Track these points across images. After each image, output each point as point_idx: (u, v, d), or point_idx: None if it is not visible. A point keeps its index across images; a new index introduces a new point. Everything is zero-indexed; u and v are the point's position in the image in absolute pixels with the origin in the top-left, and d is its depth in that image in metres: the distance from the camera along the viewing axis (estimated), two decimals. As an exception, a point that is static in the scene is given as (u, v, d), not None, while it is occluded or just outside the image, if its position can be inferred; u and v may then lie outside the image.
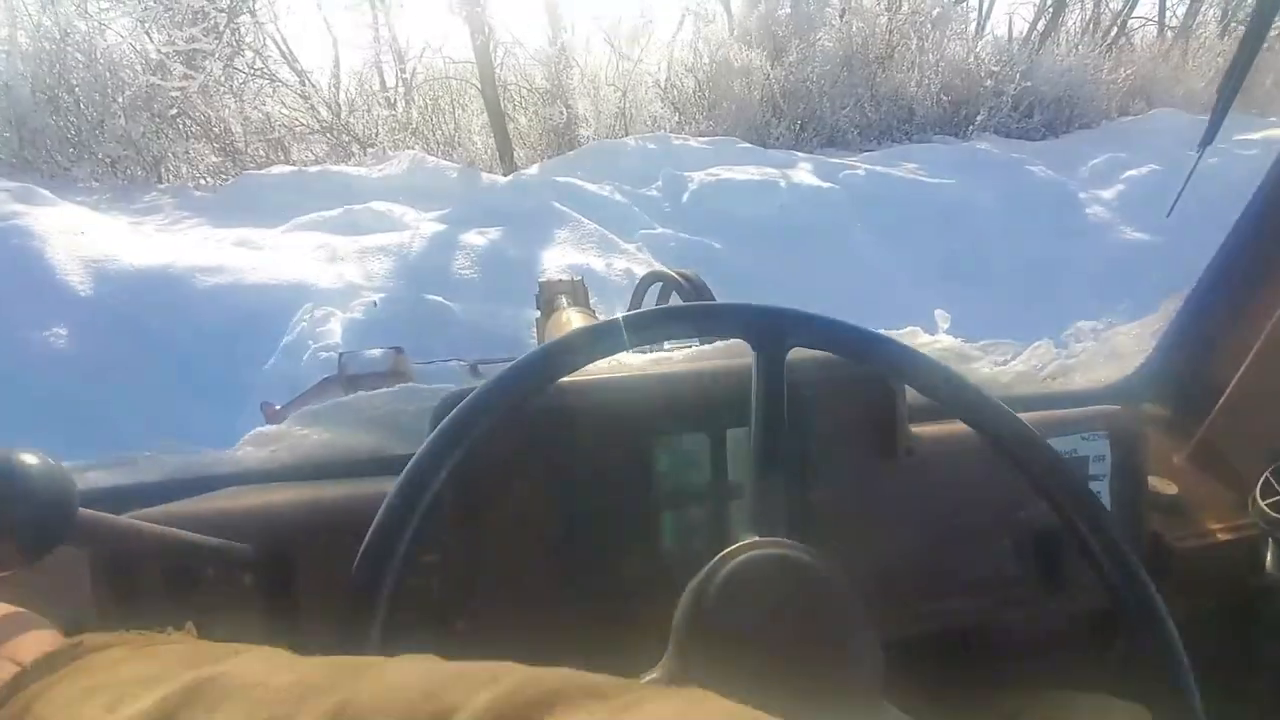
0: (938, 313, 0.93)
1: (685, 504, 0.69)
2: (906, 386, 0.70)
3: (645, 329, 0.53)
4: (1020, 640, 0.84)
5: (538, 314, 2.27)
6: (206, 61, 6.95)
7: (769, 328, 0.54)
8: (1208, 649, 0.89)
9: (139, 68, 6.58)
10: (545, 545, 0.66)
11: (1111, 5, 11.80)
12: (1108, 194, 6.32)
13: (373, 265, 3.94)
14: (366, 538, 0.44)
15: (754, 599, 0.42)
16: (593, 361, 0.53)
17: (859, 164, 5.93)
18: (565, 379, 0.65)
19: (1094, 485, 0.79)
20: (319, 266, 3.81)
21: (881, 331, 0.58)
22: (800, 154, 6.58)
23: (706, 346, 0.78)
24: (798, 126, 7.75)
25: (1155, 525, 0.83)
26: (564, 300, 2.24)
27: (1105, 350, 1.07)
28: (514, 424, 0.64)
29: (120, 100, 6.33)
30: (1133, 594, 0.49)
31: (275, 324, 3.14)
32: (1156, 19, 13.05)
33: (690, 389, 0.69)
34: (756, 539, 0.46)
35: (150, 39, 7.13)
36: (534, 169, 6.11)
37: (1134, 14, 11.82)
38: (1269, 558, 0.80)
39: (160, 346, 3.03)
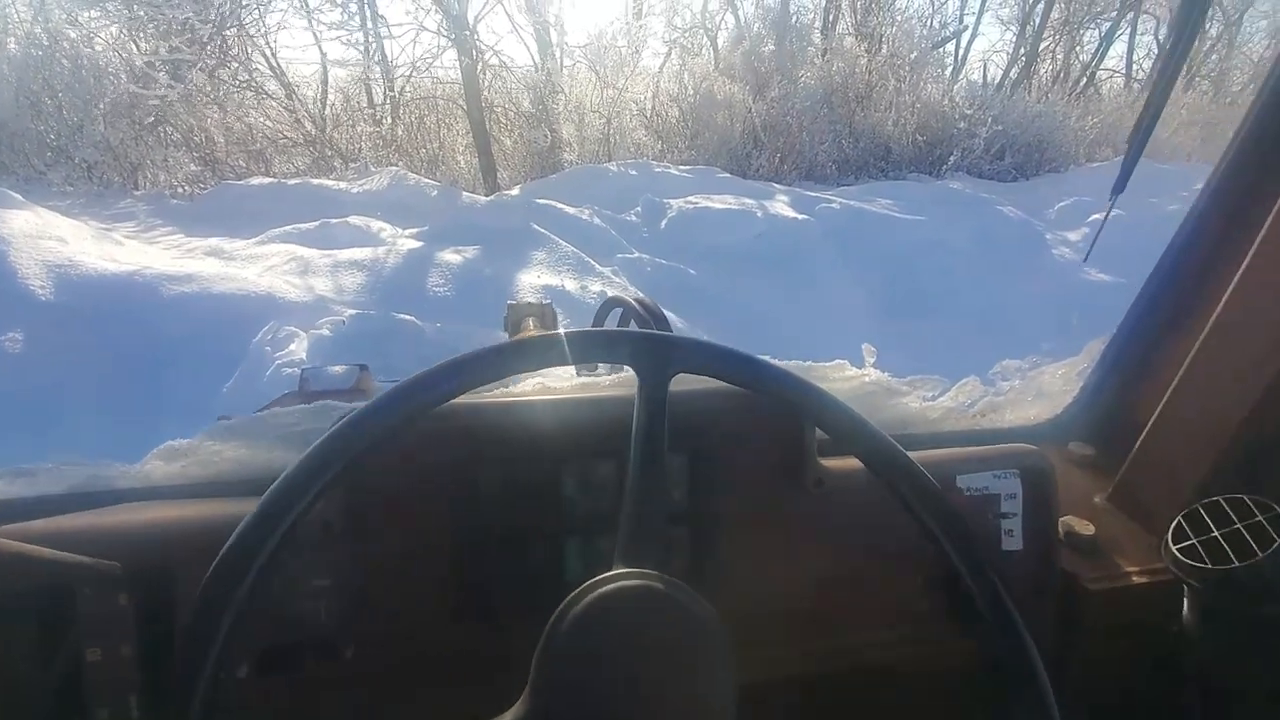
0: (865, 347, 0.92)
1: (591, 532, 0.67)
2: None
3: (526, 356, 0.52)
4: (931, 678, 0.83)
5: (505, 336, 2.33)
6: (190, 71, 6.95)
7: (651, 354, 0.53)
8: (1129, 693, 0.87)
9: (123, 76, 6.57)
10: (444, 570, 0.65)
11: (1081, 57, 12.36)
12: (1073, 236, 6.52)
13: (345, 279, 3.92)
14: (215, 560, 0.42)
15: (610, 632, 0.42)
16: (476, 387, 0.51)
17: (835, 198, 6.07)
18: (475, 400, 0.64)
19: (1006, 523, 0.79)
20: (290, 279, 3.78)
21: (776, 361, 0.58)
22: (779, 185, 6.71)
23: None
24: (777, 159, 7.93)
25: (1071, 565, 0.83)
26: (531, 324, 2.31)
27: (1032, 389, 1.07)
28: (416, 443, 0.63)
29: (102, 106, 6.31)
30: (1005, 635, 0.48)
31: (241, 336, 3.10)
32: (1124, 70, 13.73)
33: (604, 414, 0.67)
34: (621, 570, 0.45)
35: (137, 47, 7.13)
36: (515, 190, 6.16)
37: (1102, 65, 12.41)
38: (1185, 604, 0.80)
39: (119, 356, 2.98)
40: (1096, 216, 6.78)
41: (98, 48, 6.76)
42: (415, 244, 4.49)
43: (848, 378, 0.86)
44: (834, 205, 5.83)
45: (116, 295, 3.27)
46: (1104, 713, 0.89)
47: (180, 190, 6.47)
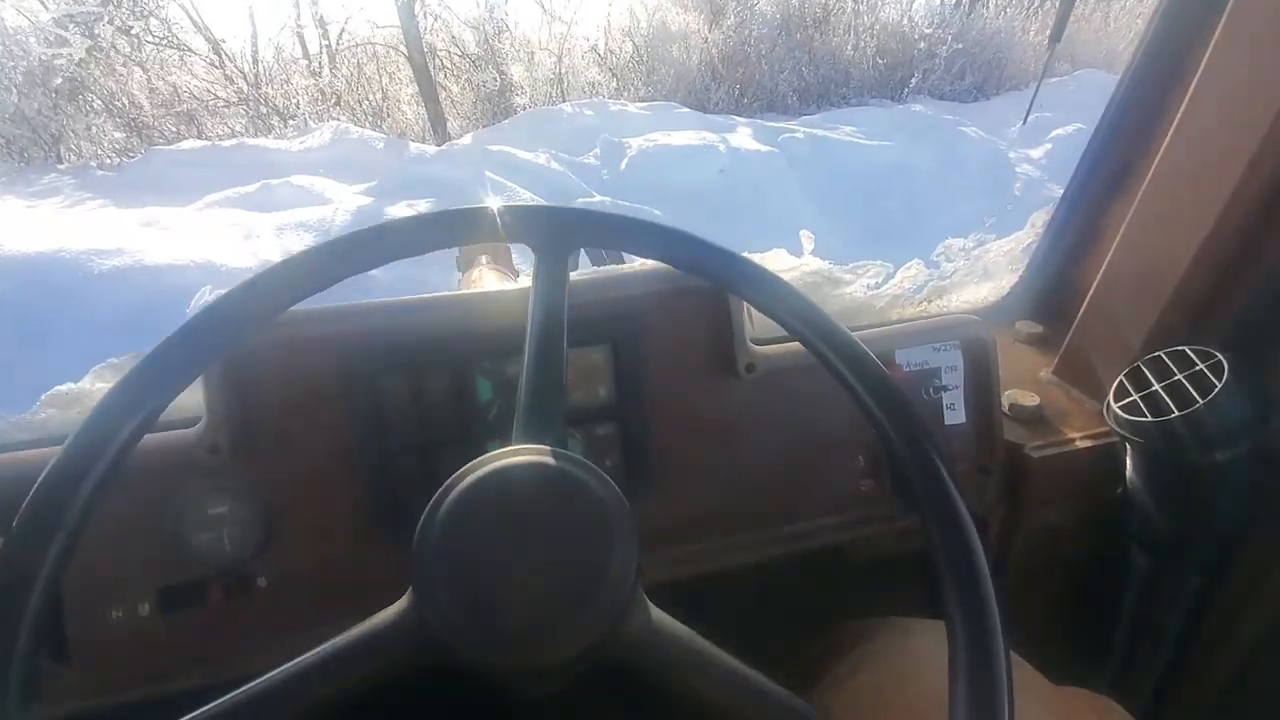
0: (803, 233, 0.87)
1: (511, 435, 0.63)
2: (745, 302, 0.65)
3: (400, 240, 0.47)
4: (878, 560, 0.82)
5: (459, 275, 2.25)
6: (101, 28, 6.43)
7: (547, 228, 0.49)
8: (1076, 557, 0.87)
9: (33, 40, 6.04)
10: (353, 485, 0.61)
11: None
12: (1037, 153, 6.49)
13: (291, 242, 3.73)
14: (30, 493, 0.37)
15: (490, 512, 0.37)
16: (339, 280, 0.46)
17: (797, 128, 5.92)
18: (373, 301, 0.59)
19: (948, 396, 0.76)
20: (232, 245, 3.58)
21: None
22: (740, 119, 6.52)
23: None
24: (737, 91, 7.69)
25: (1016, 436, 0.82)
26: (484, 259, 2.21)
27: (978, 270, 1.05)
28: (306, 352, 0.58)
29: (15, 76, 5.81)
30: (936, 505, 0.43)
31: (178, 309, 2.94)
32: None
33: (511, 308, 0.61)
34: (499, 450, 0.40)
35: (45, 6, 6.53)
36: (467, 138, 5.89)
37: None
38: (1128, 464, 0.79)
39: (48, 334, 2.81)
40: (1059, 132, 6.74)
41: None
42: (364, 200, 4.28)
43: (787, 268, 0.81)
44: (797, 135, 5.69)
45: (44, 273, 3.07)
46: (1049, 580, 0.87)
47: (108, 160, 6.06)
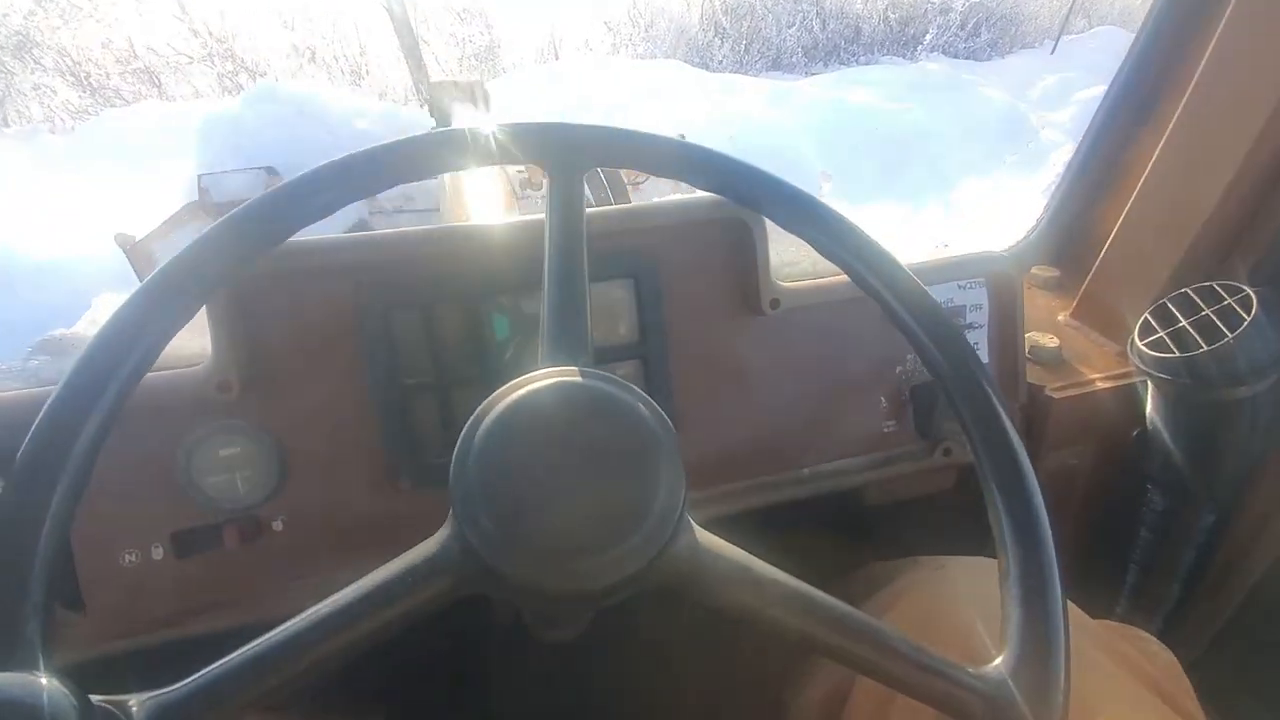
0: (821, 172, 0.97)
1: (528, 372, 0.58)
2: (769, 237, 0.64)
3: (407, 162, 0.44)
4: (903, 499, 0.81)
5: (432, 123, 1.92)
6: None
7: (562, 145, 0.47)
8: (1093, 499, 0.86)
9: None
10: (369, 425, 0.59)
11: None
12: (1060, 117, 6.13)
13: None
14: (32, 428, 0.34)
15: (530, 434, 0.35)
16: (343, 205, 0.43)
17: (812, 88, 5.50)
18: (383, 232, 0.58)
19: (972, 334, 0.76)
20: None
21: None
22: (746, 78, 6.09)
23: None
24: (742, 47, 7.20)
25: (1036, 378, 0.82)
26: (457, 109, 1.92)
27: (999, 213, 1.09)
28: (317, 285, 0.56)
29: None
30: (990, 434, 0.43)
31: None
32: None
33: (528, 239, 0.59)
34: (538, 372, 0.38)
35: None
36: (454, 101, 5.42)
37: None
38: (1149, 403, 0.79)
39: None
40: (1082, 94, 6.37)
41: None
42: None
43: None
44: (811, 97, 5.29)
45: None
46: (1065, 520, 0.86)
47: (60, 123, 5.54)
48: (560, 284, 0.43)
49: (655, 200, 0.65)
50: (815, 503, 0.72)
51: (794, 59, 7.46)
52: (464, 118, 1.88)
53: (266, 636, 0.32)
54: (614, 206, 0.67)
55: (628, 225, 0.63)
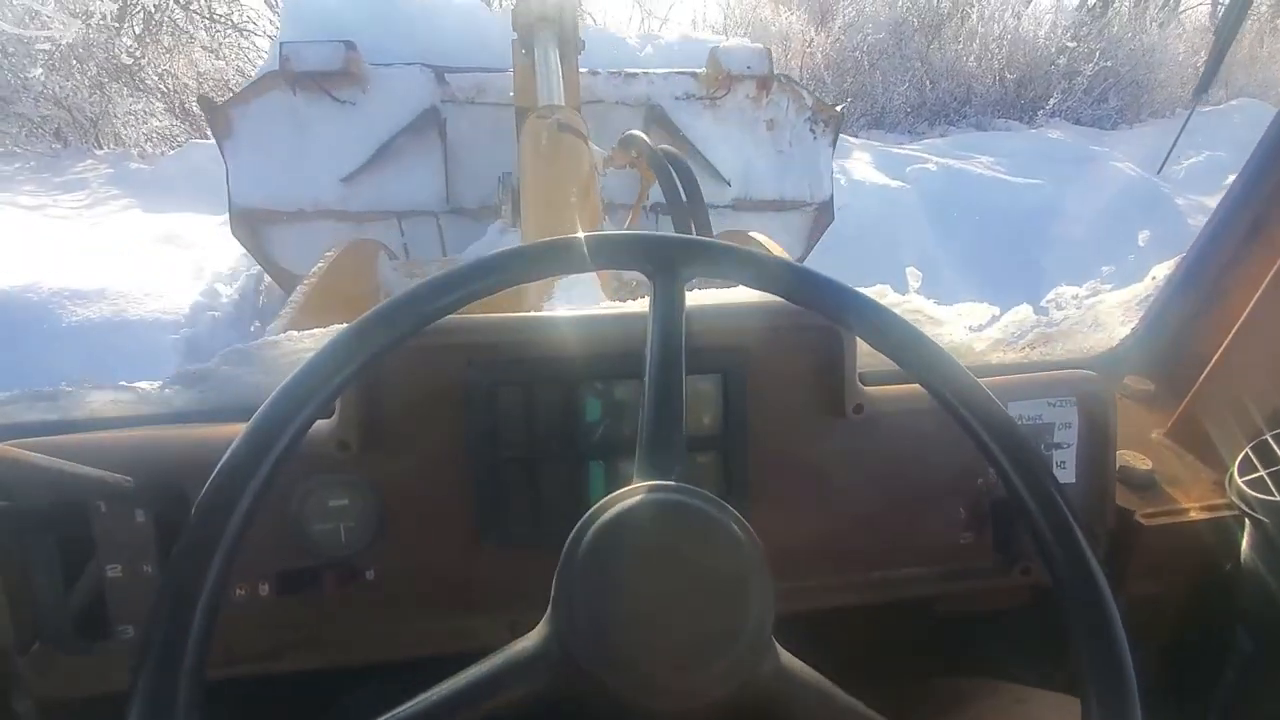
0: (909, 270, 0.92)
1: (615, 455, 0.64)
2: (858, 341, 0.65)
3: (527, 265, 0.49)
4: (975, 614, 0.80)
5: (513, 39, 2.01)
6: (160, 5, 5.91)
7: (662, 255, 0.50)
8: (1176, 632, 0.86)
9: (71, 9, 5.53)
10: (464, 490, 0.63)
11: None
12: (1212, 202, 5.40)
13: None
14: (206, 483, 0.39)
15: (631, 548, 0.38)
16: (476, 299, 0.48)
17: (928, 156, 4.97)
18: (494, 315, 0.65)
19: (1059, 454, 0.74)
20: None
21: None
22: (852, 139, 5.61)
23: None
24: (846, 102, 6.74)
25: (1126, 501, 0.79)
26: (543, 34, 1.93)
27: (1089, 319, 0.98)
28: (435, 361, 0.61)
29: (55, 50, 5.31)
30: (1074, 572, 0.43)
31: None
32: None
33: (628, 331, 0.62)
34: (639, 485, 0.41)
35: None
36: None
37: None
38: (1244, 540, 0.77)
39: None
40: (1234, 178, 5.64)
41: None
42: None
43: (889, 304, 0.70)
44: (929, 166, 4.75)
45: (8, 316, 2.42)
46: (1146, 654, 0.70)
47: (148, 150, 5.53)
48: (658, 395, 0.46)
49: (748, 300, 0.64)
50: (885, 609, 0.71)
51: (898, 119, 6.95)
52: (545, 39, 1.93)
53: (393, 714, 0.35)
54: (711, 303, 0.66)
55: (723, 323, 0.65)
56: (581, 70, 2.25)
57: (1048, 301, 1.01)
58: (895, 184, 4.42)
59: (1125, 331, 1.00)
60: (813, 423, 0.67)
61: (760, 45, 2.97)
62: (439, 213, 2.40)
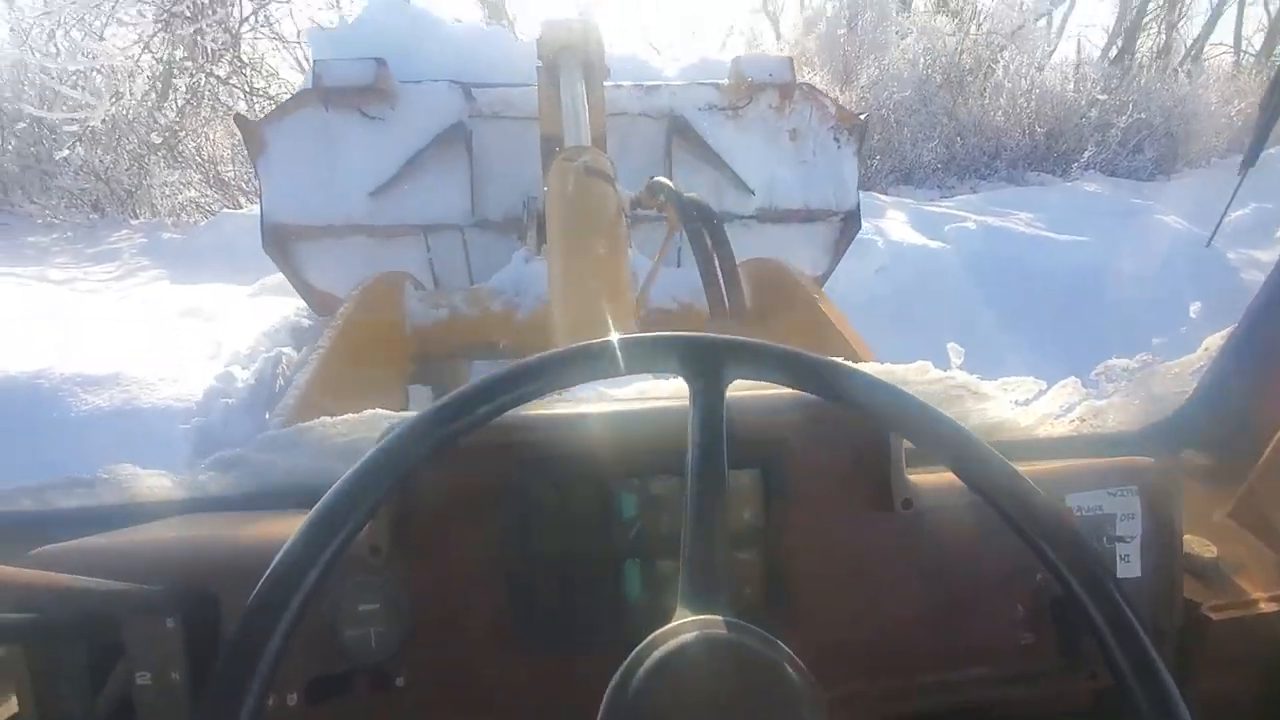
0: (951, 346, 0.90)
1: (653, 553, 0.62)
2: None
3: (560, 371, 0.49)
4: (1036, 715, 0.76)
5: (539, 66, 2.00)
6: (195, 80, 6.10)
7: (702, 358, 0.50)
8: None
9: (100, 84, 5.70)
10: (497, 593, 0.61)
11: (1183, 30, 10.60)
12: (1264, 256, 5.14)
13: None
14: (257, 587, 0.40)
15: (683, 689, 0.37)
16: (518, 405, 0.48)
17: (967, 214, 4.82)
18: (523, 413, 0.60)
19: (1122, 547, 0.70)
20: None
21: (850, 364, 0.52)
22: (884, 196, 5.50)
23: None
24: (874, 161, 6.68)
25: (1191, 592, 0.74)
26: (569, 62, 1.91)
27: (1140, 392, 0.94)
28: (464, 461, 0.60)
29: (96, 124, 5.47)
30: (1141, 679, 0.41)
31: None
32: (1232, 45, 11.70)
33: (662, 427, 0.62)
34: (688, 619, 0.40)
35: (155, 57, 6.27)
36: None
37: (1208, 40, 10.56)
38: None
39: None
40: (1284, 229, 5.39)
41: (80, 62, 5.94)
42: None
43: (930, 380, 0.78)
44: (968, 225, 4.60)
45: (22, 401, 2.33)
46: None
47: (181, 219, 5.62)
48: (699, 512, 0.45)
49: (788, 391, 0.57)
50: (936, 714, 0.68)
51: (927, 174, 6.87)
52: (570, 67, 1.92)
53: None
54: (750, 394, 0.63)
55: (764, 417, 0.64)
56: (605, 83, 2.21)
57: (1097, 374, 0.98)
58: (935, 244, 4.26)
59: (1179, 402, 0.95)
60: (859, 518, 0.65)
61: (783, 54, 2.89)
62: (465, 226, 2.39)
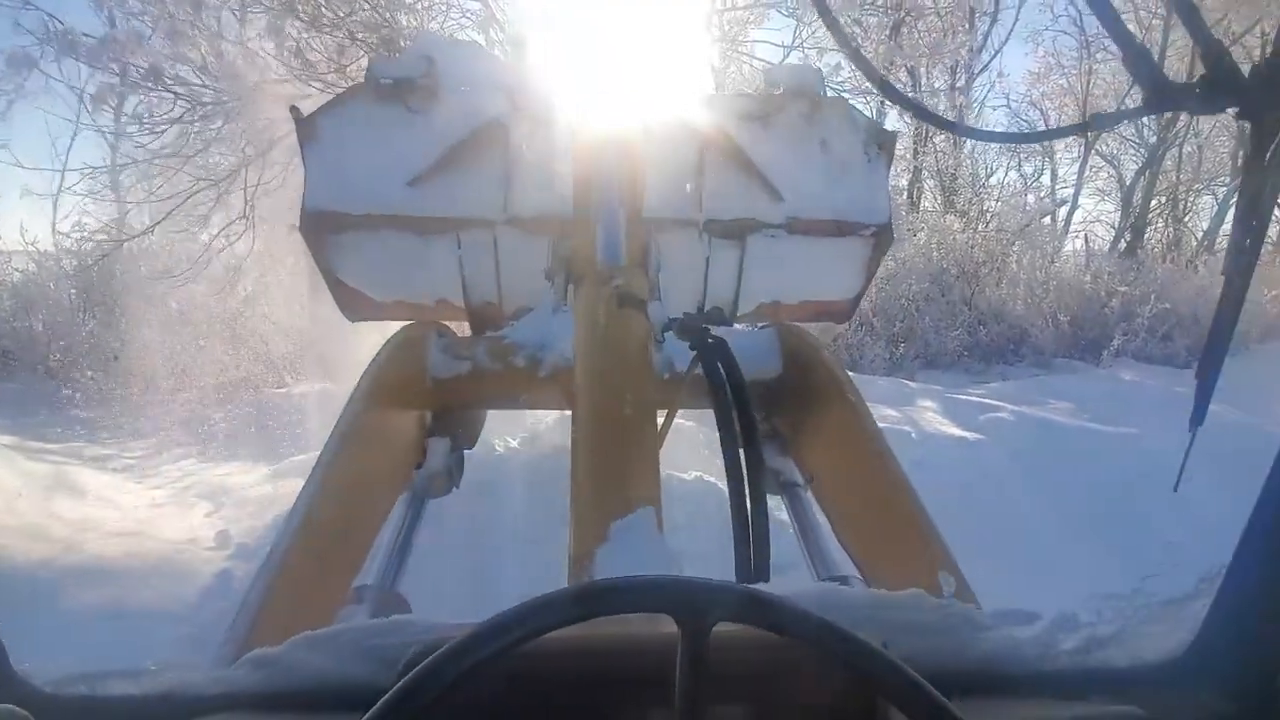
0: (941, 575, 0.90)
1: None
2: None
3: (557, 613, 0.51)
4: None
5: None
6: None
7: (686, 602, 0.51)
8: None
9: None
10: None
11: (1191, 224, 11.12)
12: (1333, 447, 4.84)
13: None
14: None
15: None
16: (539, 636, 0.51)
17: (1001, 403, 4.73)
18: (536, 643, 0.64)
19: None
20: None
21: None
22: (911, 384, 5.47)
23: None
24: (898, 349, 6.78)
25: None
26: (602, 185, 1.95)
27: (1147, 625, 0.88)
28: (487, 688, 0.61)
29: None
30: None
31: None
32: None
33: (647, 660, 0.63)
34: None
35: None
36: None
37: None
38: None
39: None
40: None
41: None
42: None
43: (926, 608, 0.78)
44: (1004, 415, 4.47)
45: None
46: None
47: (223, 395, 5.84)
48: None
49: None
50: None
51: (952, 360, 6.91)
52: (606, 188, 1.98)
53: None
54: (739, 631, 0.57)
55: (750, 653, 0.64)
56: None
57: (1099, 606, 0.97)
58: (972, 436, 4.12)
59: (1192, 637, 0.88)
60: None
61: (812, 65, 2.89)
62: (498, 222, 2.39)
